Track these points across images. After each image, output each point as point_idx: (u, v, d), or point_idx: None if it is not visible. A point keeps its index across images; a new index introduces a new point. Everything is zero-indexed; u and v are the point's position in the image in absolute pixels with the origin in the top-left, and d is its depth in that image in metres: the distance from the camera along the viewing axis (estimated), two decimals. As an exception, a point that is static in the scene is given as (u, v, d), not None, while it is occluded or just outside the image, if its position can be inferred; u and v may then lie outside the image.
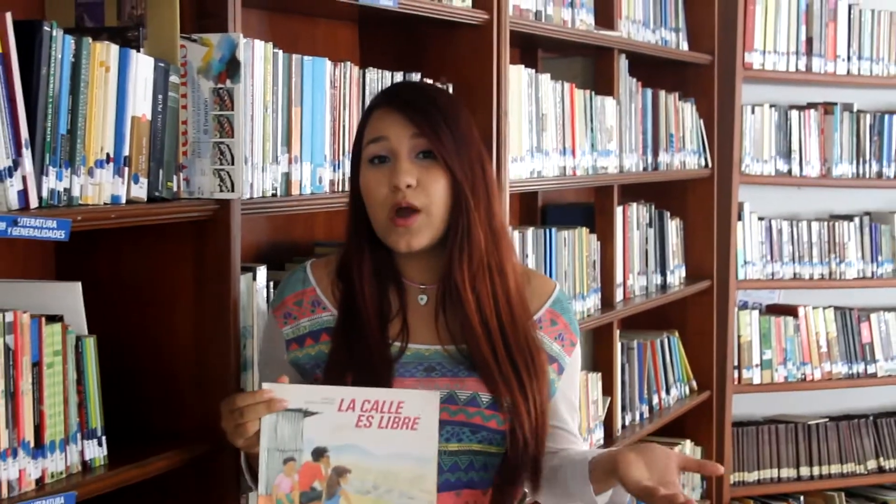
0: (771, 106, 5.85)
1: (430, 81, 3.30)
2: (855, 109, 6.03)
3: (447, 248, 2.43)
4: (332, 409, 2.22)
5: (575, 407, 2.59)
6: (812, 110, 5.94)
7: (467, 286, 2.41)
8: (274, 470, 2.22)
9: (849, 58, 5.94)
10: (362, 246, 2.46)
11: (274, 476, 2.22)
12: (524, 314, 2.47)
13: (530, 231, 3.98)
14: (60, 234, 2.20)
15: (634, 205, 4.96)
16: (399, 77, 3.27)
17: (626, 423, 4.78)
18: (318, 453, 2.22)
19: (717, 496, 5.67)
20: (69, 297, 2.42)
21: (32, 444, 2.24)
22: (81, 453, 2.37)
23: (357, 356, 2.42)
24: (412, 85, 2.63)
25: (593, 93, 4.41)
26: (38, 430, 2.26)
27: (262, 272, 2.82)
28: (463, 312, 2.42)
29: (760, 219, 5.87)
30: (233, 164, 2.61)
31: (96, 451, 2.41)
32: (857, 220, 6.05)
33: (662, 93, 5.10)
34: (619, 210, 4.71)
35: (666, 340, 5.25)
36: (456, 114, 2.45)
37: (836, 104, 5.98)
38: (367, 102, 3.11)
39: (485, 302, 2.42)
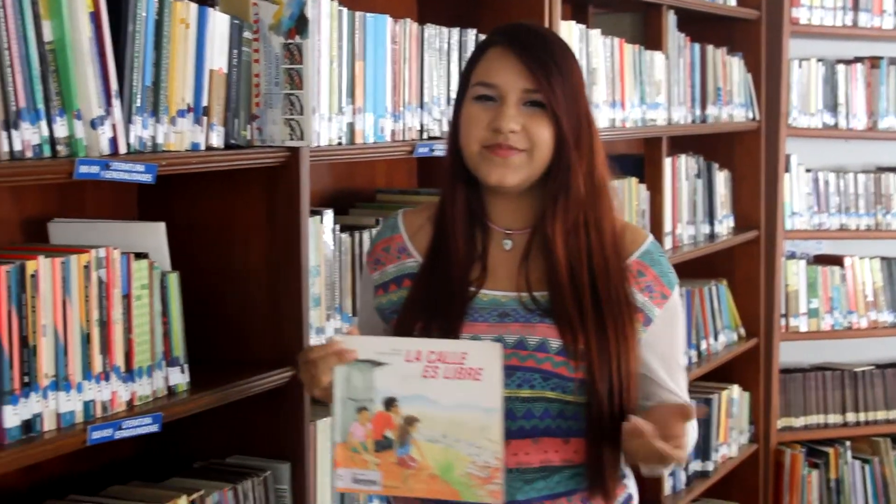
0: (818, 60, 5.97)
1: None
2: (901, 63, 6.15)
3: (544, 198, 2.41)
4: (399, 360, 2.24)
5: (672, 362, 2.48)
6: (859, 64, 6.04)
7: (559, 239, 2.38)
8: (348, 418, 2.27)
9: (895, 12, 6.04)
10: (457, 183, 2.45)
11: (349, 424, 2.27)
12: (619, 270, 2.41)
13: (581, 180, 4.13)
14: (147, 178, 2.41)
15: (683, 156, 5.11)
16: (456, 34, 3.45)
17: (675, 366, 4.93)
18: (389, 403, 2.25)
19: (764, 441, 5.82)
20: (154, 236, 2.63)
21: (123, 370, 2.45)
22: (166, 379, 2.58)
23: (433, 298, 2.42)
24: (531, 29, 2.46)
25: (642, 48, 4.57)
26: (128, 356, 2.46)
27: (328, 216, 3.02)
28: (551, 263, 2.38)
29: (807, 170, 5.99)
30: (302, 113, 2.81)
31: (179, 378, 2.62)
32: (902, 172, 6.18)
33: (710, 47, 5.24)
34: (667, 161, 4.86)
35: (714, 288, 5.41)
36: (570, 65, 2.41)
37: (882, 58, 6.08)
38: (426, 57, 3.32)
39: (577, 256, 2.38)
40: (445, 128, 3.40)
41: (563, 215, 2.39)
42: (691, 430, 2.33)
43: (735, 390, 5.53)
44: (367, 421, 2.26)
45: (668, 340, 2.48)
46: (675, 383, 2.47)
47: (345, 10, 3.00)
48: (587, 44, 4.13)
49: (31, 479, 2.66)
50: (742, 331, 5.69)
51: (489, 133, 2.36)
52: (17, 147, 2.19)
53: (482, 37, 3.49)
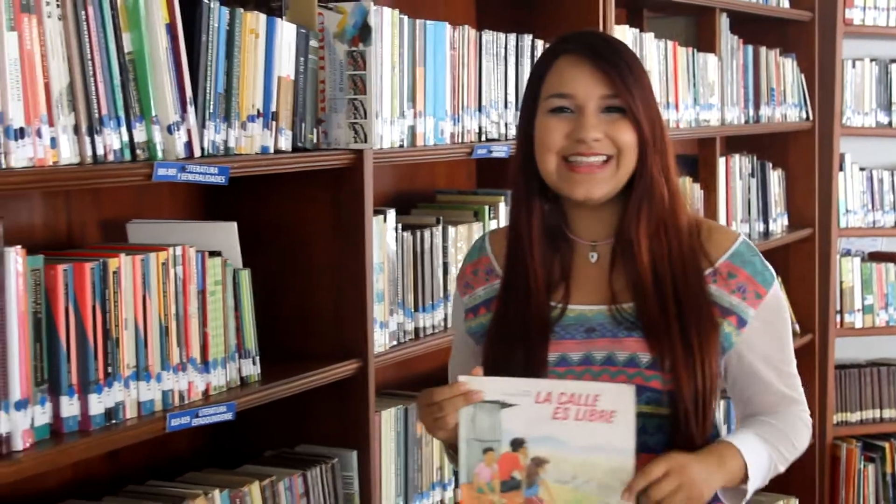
0: (872, 60, 6.03)
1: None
2: (956, 62, 6.19)
3: (628, 203, 2.34)
4: (529, 401, 2.20)
5: (778, 363, 2.39)
6: (913, 63, 6.12)
7: (643, 243, 2.32)
8: (474, 459, 2.23)
9: (949, 13, 6.09)
10: (532, 197, 2.38)
11: (474, 465, 2.23)
12: (697, 270, 2.34)
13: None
14: (220, 179, 2.56)
15: (737, 156, 5.21)
16: (512, 39, 3.58)
17: (730, 362, 5.02)
18: (517, 444, 2.21)
19: (820, 435, 5.89)
20: (226, 236, 2.76)
21: (199, 361, 2.59)
22: (239, 370, 2.72)
23: (516, 321, 2.36)
24: (598, 35, 2.42)
25: (695, 50, 4.67)
26: (203, 348, 2.61)
27: (391, 215, 3.15)
28: (635, 270, 2.32)
29: (862, 169, 6.05)
30: (365, 117, 2.95)
31: (251, 369, 2.76)
32: (957, 169, 6.22)
33: (763, 49, 5.33)
34: (721, 161, 4.96)
35: (769, 285, 5.48)
36: (640, 68, 2.35)
37: (937, 57, 6.15)
38: (484, 62, 3.44)
39: (661, 261, 2.32)
40: (503, 130, 3.53)
41: (648, 218, 2.32)
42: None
43: (790, 386, 5.59)
44: (493, 462, 2.23)
45: (771, 340, 2.39)
46: (784, 384, 2.40)
47: (406, 18, 3.14)
48: (641, 47, 4.24)
49: (114, 467, 2.81)
50: (797, 327, 5.77)
51: (570, 143, 2.29)
52: (100, 151, 2.33)
53: (539, 42, 3.63)
